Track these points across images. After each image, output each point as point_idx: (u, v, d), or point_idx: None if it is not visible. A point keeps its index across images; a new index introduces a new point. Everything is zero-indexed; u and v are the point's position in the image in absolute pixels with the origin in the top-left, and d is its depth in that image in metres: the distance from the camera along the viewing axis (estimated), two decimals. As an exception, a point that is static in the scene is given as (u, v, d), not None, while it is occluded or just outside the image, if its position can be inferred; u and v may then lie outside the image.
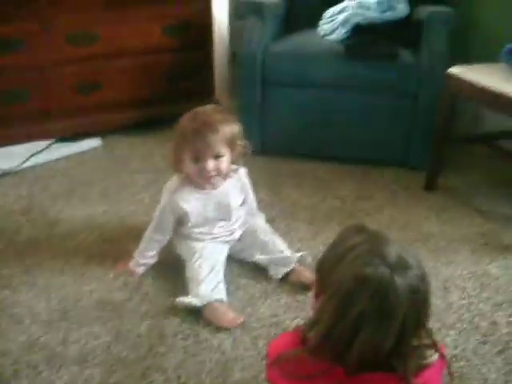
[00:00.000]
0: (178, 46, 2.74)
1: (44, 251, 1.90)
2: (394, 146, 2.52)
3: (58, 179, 2.37)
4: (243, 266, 1.87)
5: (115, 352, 1.50)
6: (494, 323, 1.64)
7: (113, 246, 1.95)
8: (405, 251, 1.02)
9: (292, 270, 1.80)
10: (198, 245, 1.79)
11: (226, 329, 1.59)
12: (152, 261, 1.82)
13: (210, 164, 1.66)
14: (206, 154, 1.65)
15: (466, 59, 2.33)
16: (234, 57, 3.00)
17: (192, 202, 1.74)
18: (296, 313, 1.67)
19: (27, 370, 1.43)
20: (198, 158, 1.66)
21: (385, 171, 2.51)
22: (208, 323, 1.61)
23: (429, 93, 2.37)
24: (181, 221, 1.79)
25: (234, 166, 1.78)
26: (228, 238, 1.85)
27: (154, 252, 1.81)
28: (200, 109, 1.70)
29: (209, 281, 1.69)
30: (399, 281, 0.96)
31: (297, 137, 2.56)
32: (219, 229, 1.82)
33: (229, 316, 1.62)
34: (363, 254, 1.00)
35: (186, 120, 1.67)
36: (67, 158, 2.53)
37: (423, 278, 1.01)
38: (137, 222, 2.09)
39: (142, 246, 1.80)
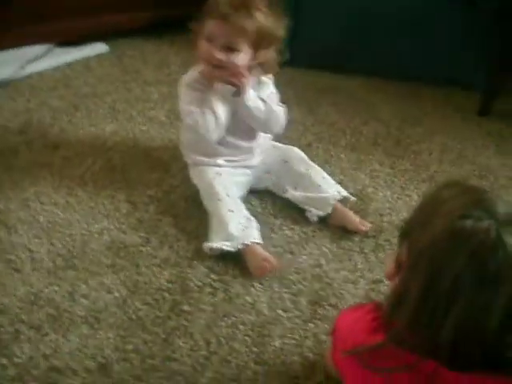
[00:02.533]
0: None
1: (45, 180, 1.62)
2: (445, 60, 2.16)
3: (59, 92, 2.04)
4: (276, 202, 1.61)
5: (132, 310, 1.27)
6: None
7: (124, 175, 1.67)
8: None
9: (333, 211, 1.55)
10: (213, 171, 1.54)
11: (261, 282, 1.36)
12: None
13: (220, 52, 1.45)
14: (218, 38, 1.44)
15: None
16: None
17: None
18: (341, 263, 1.43)
19: (30, 332, 1.20)
20: (211, 39, 1.45)
21: (433, 91, 2.18)
22: (242, 272, 1.38)
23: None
24: None
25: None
26: (246, 163, 1.60)
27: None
28: None
29: (236, 217, 1.44)
30: (508, 238, 0.75)
31: (334, 46, 2.20)
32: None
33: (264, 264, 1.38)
34: (461, 205, 0.79)
35: None
36: (69, 65, 2.18)
37: None
38: (150, 145, 1.81)
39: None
